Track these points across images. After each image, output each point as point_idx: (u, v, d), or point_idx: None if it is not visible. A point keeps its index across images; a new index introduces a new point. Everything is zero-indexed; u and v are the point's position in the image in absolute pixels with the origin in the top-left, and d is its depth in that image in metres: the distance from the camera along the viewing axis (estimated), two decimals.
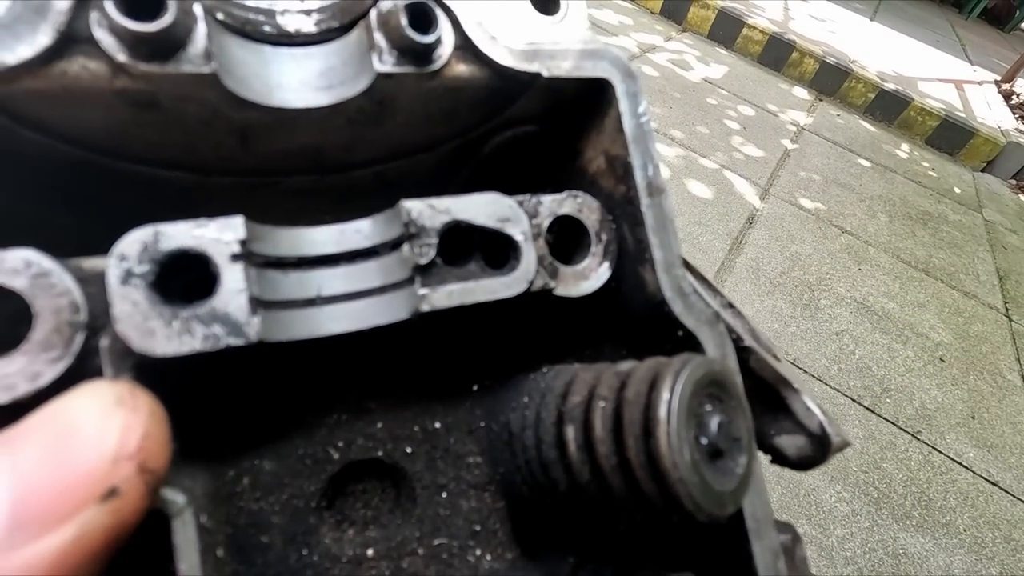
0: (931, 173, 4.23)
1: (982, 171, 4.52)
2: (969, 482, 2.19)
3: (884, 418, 2.30)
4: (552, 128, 0.32)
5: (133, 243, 0.20)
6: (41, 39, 0.20)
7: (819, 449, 0.29)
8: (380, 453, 0.29)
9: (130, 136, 0.24)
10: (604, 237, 0.28)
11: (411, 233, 0.24)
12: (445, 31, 0.25)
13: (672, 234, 0.27)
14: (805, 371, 2.36)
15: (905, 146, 4.45)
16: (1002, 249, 3.66)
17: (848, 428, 2.21)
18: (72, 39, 0.20)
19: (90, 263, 0.20)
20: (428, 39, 0.24)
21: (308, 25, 0.24)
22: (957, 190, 4.14)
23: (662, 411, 0.21)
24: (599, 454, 0.23)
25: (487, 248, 0.26)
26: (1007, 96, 5.41)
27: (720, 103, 3.90)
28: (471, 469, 0.30)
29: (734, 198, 3.10)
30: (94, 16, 0.20)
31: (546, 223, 0.27)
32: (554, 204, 0.27)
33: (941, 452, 2.26)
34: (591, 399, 0.24)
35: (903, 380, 2.50)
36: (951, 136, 4.50)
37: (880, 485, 2.07)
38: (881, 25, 6.12)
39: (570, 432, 0.25)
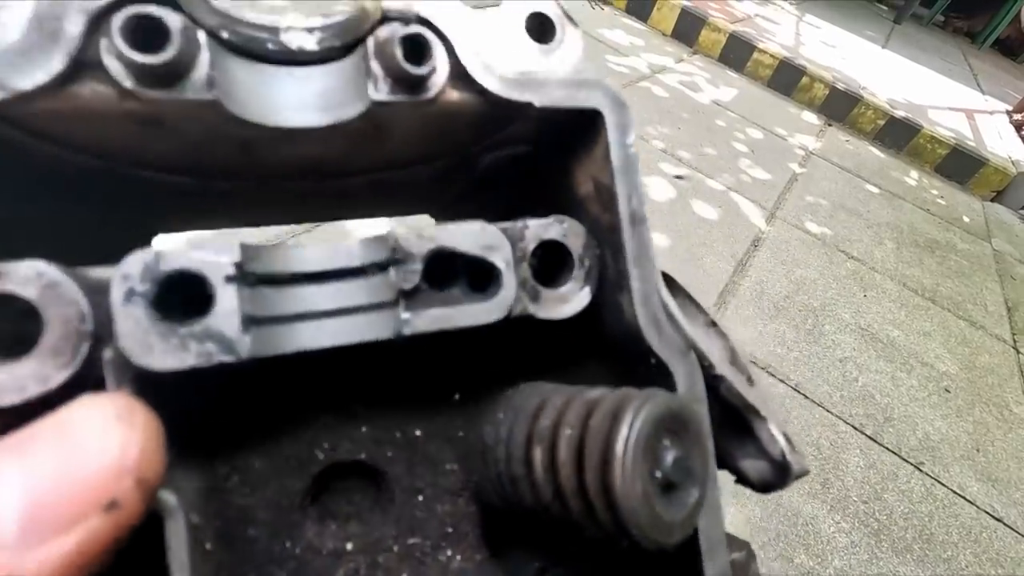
0: (940, 201, 4.21)
1: (992, 201, 4.50)
2: (972, 517, 2.15)
3: (886, 448, 2.27)
4: (544, 149, 0.32)
5: (135, 263, 0.21)
6: (55, 65, 0.20)
7: (780, 475, 0.31)
8: (363, 456, 0.31)
9: (136, 146, 0.26)
10: (587, 263, 0.29)
11: (397, 258, 0.25)
12: (440, 60, 0.26)
13: (651, 265, 0.27)
14: (807, 396, 2.34)
15: (914, 173, 4.44)
16: (1011, 280, 3.63)
17: (849, 457, 2.18)
18: (83, 64, 0.21)
19: (96, 273, 0.21)
20: (422, 71, 0.25)
21: (310, 43, 0.25)
22: (966, 219, 4.12)
23: (619, 447, 0.21)
24: (562, 478, 0.24)
25: (471, 272, 0.27)
26: (1018, 127, 5.40)
27: (729, 125, 3.91)
28: (447, 475, 0.32)
29: (740, 220, 3.10)
30: (104, 43, 0.21)
31: (531, 247, 0.28)
32: (540, 229, 0.28)
33: (944, 485, 2.22)
34: (559, 424, 0.25)
35: (907, 410, 2.47)
36: (961, 165, 4.49)
37: (880, 516, 2.04)
38: (893, 53, 6.15)
39: (537, 454, 0.26)
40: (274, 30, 0.24)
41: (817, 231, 3.31)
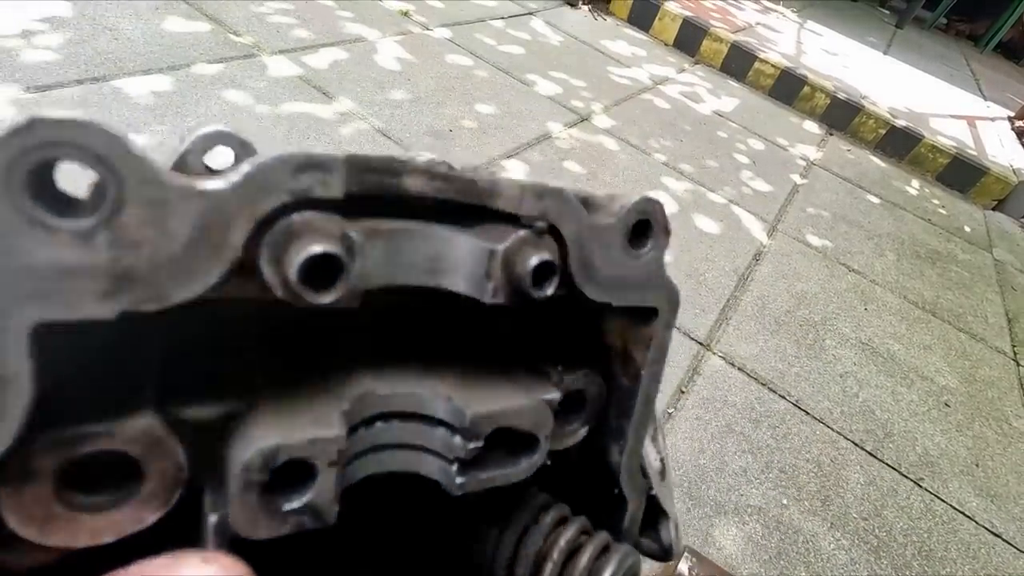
0: (941, 211, 4.23)
1: (993, 210, 4.51)
2: (971, 533, 2.17)
3: (886, 464, 2.30)
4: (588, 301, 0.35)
5: (257, 458, 0.22)
6: (212, 277, 0.19)
7: (664, 555, 0.39)
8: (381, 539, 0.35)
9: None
10: (594, 409, 0.32)
11: (467, 435, 0.27)
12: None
13: (644, 432, 0.31)
14: (808, 412, 2.36)
15: (915, 183, 4.46)
16: (1011, 291, 3.65)
17: (849, 473, 2.21)
18: (239, 269, 0.20)
19: (190, 413, 0.23)
20: (542, 294, 0.25)
21: (428, 189, 0.24)
22: (967, 228, 4.14)
23: None
24: None
25: (515, 435, 0.30)
26: (1020, 133, 5.41)
27: (730, 136, 3.94)
28: (441, 551, 0.37)
29: (742, 234, 3.13)
30: (264, 253, 0.20)
31: (559, 398, 0.30)
32: (571, 382, 0.31)
33: (943, 500, 2.25)
34: (544, 555, 0.31)
35: (907, 425, 2.50)
36: (962, 174, 4.51)
37: (880, 533, 2.07)
38: (894, 59, 6.16)
39: (520, 570, 0.31)
40: (399, 172, 0.24)
41: (818, 244, 3.33)
